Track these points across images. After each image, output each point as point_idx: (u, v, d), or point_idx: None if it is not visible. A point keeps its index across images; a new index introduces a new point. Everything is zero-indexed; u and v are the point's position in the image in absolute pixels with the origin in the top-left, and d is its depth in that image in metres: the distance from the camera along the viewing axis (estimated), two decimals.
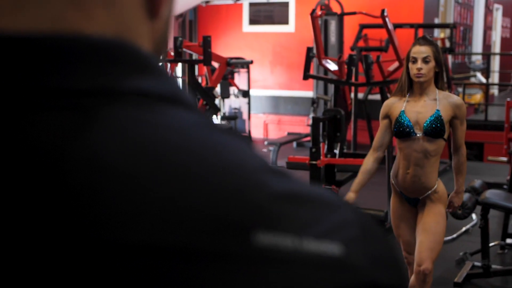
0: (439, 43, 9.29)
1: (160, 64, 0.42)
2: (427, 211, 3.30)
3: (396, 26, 8.13)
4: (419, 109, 3.25)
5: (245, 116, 11.02)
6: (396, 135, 3.32)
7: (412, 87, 3.29)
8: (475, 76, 12.87)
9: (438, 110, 3.22)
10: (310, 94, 10.38)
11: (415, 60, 3.22)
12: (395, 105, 3.32)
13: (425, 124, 3.22)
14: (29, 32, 0.36)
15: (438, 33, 11.28)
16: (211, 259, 0.34)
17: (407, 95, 3.29)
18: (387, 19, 5.33)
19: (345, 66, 5.82)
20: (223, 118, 10.40)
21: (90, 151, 0.34)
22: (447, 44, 8.61)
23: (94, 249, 0.33)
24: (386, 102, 3.41)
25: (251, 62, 7.56)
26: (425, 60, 3.21)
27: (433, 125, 3.21)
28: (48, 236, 0.33)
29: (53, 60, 0.36)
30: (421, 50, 3.22)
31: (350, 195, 3.50)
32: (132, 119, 0.37)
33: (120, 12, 0.40)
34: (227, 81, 10.15)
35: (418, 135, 3.25)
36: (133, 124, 0.36)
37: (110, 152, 0.35)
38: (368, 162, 3.46)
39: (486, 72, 11.36)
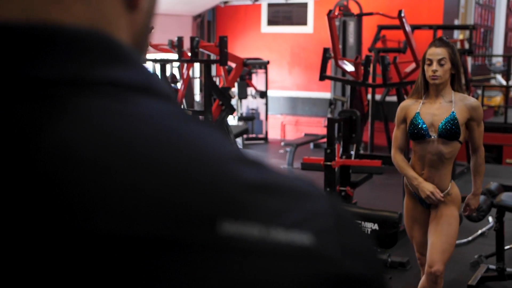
0: (458, 44, 9.21)
1: (137, 55, 0.42)
2: (439, 213, 3.27)
3: (415, 27, 8.08)
4: (434, 111, 3.22)
5: (262, 117, 11.03)
6: (411, 137, 3.30)
7: (428, 89, 3.26)
8: (494, 78, 12.73)
9: (453, 112, 3.19)
10: (328, 95, 10.36)
11: (430, 62, 3.20)
12: (411, 107, 3.30)
13: (440, 126, 3.20)
14: (0, 21, 0.36)
15: (458, 35, 11.18)
16: (176, 248, 0.34)
17: (423, 97, 3.27)
18: (404, 20, 5.31)
19: (362, 67, 5.81)
20: (240, 118, 10.42)
21: (58, 142, 0.35)
22: (466, 45, 8.53)
23: (60, 238, 0.33)
24: (401, 105, 3.37)
25: (268, 62, 7.56)
26: (440, 63, 3.18)
27: (448, 127, 3.19)
28: (11, 226, 0.33)
29: (24, 49, 0.36)
30: (437, 52, 3.20)
31: (426, 185, 3.31)
32: (102, 109, 0.37)
33: (98, 3, 0.40)
34: (244, 81, 10.17)
35: (433, 137, 3.22)
36: (102, 114, 0.37)
37: (78, 142, 0.35)
38: (402, 157, 3.41)
39: (507, 74, 11.23)
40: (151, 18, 0.47)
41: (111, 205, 0.34)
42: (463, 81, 3.44)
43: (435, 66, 3.18)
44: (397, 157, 3.41)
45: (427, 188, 3.29)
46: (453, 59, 3.21)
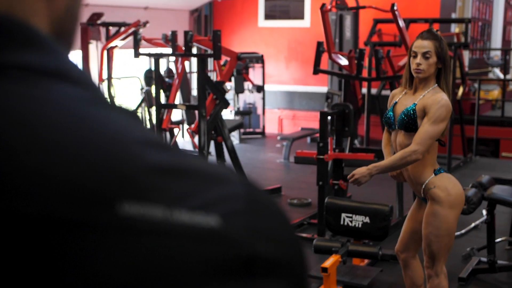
0: (454, 38, 9.20)
1: (52, 40, 0.42)
2: (426, 209, 3.19)
3: (411, 20, 8.07)
4: (407, 103, 3.17)
5: (259, 111, 11.03)
6: (385, 126, 3.32)
7: (413, 81, 3.19)
8: (491, 71, 12.72)
9: (414, 104, 3.11)
10: (324, 89, 10.35)
11: (415, 55, 3.11)
12: (395, 96, 3.28)
13: (399, 117, 3.15)
14: None
15: (454, 28, 11.16)
16: (76, 228, 0.35)
17: (407, 89, 3.23)
18: (397, 13, 5.31)
19: (355, 61, 5.80)
20: (237, 113, 10.42)
21: None
22: (462, 39, 8.52)
23: None
24: (392, 92, 3.37)
25: (262, 56, 7.54)
26: (425, 56, 3.08)
27: (404, 118, 3.11)
28: None
29: None
30: (423, 45, 3.09)
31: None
32: (10, 93, 0.37)
33: None
34: (241, 76, 10.16)
35: (396, 127, 3.20)
36: (10, 98, 0.37)
37: None
38: (386, 136, 3.40)
39: (504, 68, 11.22)
40: (74, 5, 0.47)
41: (13, 184, 0.35)
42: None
43: (419, 59, 3.08)
44: (383, 137, 3.44)
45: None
46: (439, 53, 3.08)
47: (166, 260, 0.36)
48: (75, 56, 8.44)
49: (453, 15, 11.39)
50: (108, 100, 0.42)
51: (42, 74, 0.39)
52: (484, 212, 4.33)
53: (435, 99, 3.07)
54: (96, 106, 0.40)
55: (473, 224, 5.50)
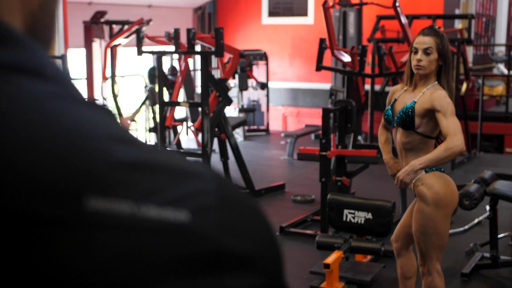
0: (457, 34, 9.18)
1: (25, 36, 0.42)
2: (415, 206, 3.18)
3: (414, 17, 8.06)
4: (406, 100, 3.14)
5: (263, 108, 11.04)
6: (386, 123, 3.31)
7: (413, 78, 3.17)
8: (495, 67, 12.68)
9: (414, 102, 3.08)
10: (328, 86, 10.34)
11: (416, 51, 3.09)
12: (396, 93, 3.27)
13: (397, 115, 3.13)
14: None
15: (458, 25, 11.13)
16: (42, 224, 0.35)
17: (408, 85, 3.20)
18: (399, 10, 5.31)
19: (358, 57, 5.81)
20: (241, 110, 10.43)
21: None
22: (466, 35, 8.50)
23: None
24: (392, 89, 3.35)
25: (264, 53, 7.55)
26: (426, 52, 3.06)
27: (402, 116, 3.08)
28: None
29: None
30: (424, 41, 3.08)
31: (393, 167, 3.30)
32: None
33: None
34: (245, 73, 10.17)
35: (395, 125, 3.18)
36: None
37: None
38: (382, 135, 3.39)
39: (508, 63, 11.19)
40: (52, 0, 0.47)
41: None
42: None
43: (420, 55, 3.06)
44: (379, 132, 3.44)
45: (391, 169, 3.29)
46: (440, 50, 3.06)
47: (134, 255, 0.36)
48: (79, 55, 8.47)
49: (457, 11, 11.36)
50: (81, 96, 0.42)
51: (13, 71, 0.39)
52: (487, 207, 4.33)
53: (438, 96, 3.03)
54: (68, 102, 0.40)
55: (476, 220, 5.50)
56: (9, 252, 0.34)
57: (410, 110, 3.07)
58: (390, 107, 3.21)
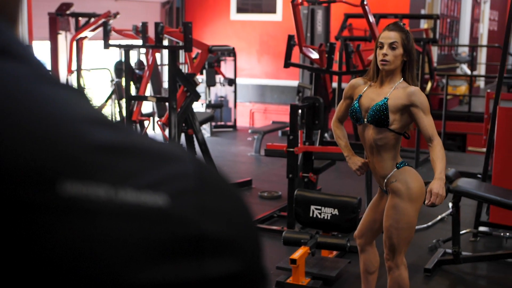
0: (423, 34, 9.33)
1: None
2: (388, 202, 3.19)
3: (381, 16, 8.16)
4: (374, 96, 3.13)
5: (231, 104, 11.03)
6: (351, 119, 3.27)
7: (379, 74, 3.15)
8: (458, 67, 12.93)
9: (386, 98, 3.07)
10: (296, 83, 10.39)
11: (382, 45, 3.09)
12: (358, 88, 3.23)
13: (369, 112, 3.11)
14: None
15: (423, 25, 11.31)
16: (16, 209, 0.34)
17: (373, 81, 3.19)
18: (367, 8, 5.36)
19: (326, 55, 5.85)
20: (208, 106, 10.40)
21: None
22: (431, 35, 8.64)
23: None
24: (352, 82, 3.29)
25: (233, 49, 7.54)
26: (391, 46, 3.06)
27: (375, 113, 3.07)
28: None
29: None
30: (389, 36, 3.09)
31: (355, 159, 3.29)
32: None
33: None
34: (213, 69, 10.14)
35: (365, 122, 3.15)
36: None
37: None
38: (339, 129, 3.38)
39: (471, 64, 11.42)
40: None
41: None
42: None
43: (385, 49, 3.07)
44: (334, 125, 3.41)
45: (354, 162, 3.28)
46: (405, 45, 3.07)
47: (112, 241, 0.35)
48: (43, 47, 8.32)
49: (422, 11, 11.54)
50: (53, 77, 0.41)
51: None
52: (450, 204, 4.42)
53: (415, 91, 3.05)
54: (41, 83, 0.39)
55: (439, 217, 5.61)
56: None
57: (383, 108, 3.06)
58: (357, 103, 3.19)
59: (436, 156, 3.04)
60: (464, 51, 13.31)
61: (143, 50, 8.37)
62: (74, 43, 7.84)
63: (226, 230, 0.39)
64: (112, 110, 8.24)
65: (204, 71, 9.83)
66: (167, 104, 5.80)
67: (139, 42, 6.61)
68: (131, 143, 0.39)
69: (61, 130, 0.36)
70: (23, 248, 0.34)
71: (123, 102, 7.08)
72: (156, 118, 9.29)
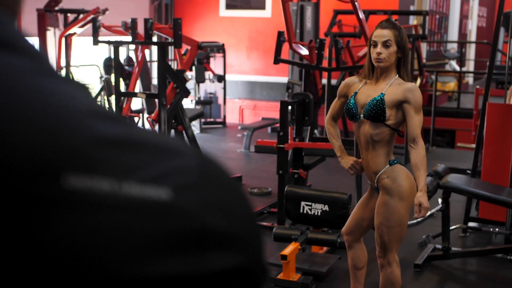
0: (412, 30, 9.35)
1: None
2: (379, 199, 3.18)
3: (370, 12, 8.18)
4: (370, 93, 3.14)
5: (220, 101, 11.01)
6: (346, 116, 3.26)
7: (374, 71, 3.16)
8: (447, 63, 12.99)
9: (382, 94, 3.08)
10: (285, 79, 10.40)
11: (375, 44, 3.10)
12: (353, 86, 3.24)
13: (366, 107, 3.11)
14: None
15: (413, 21, 11.35)
16: (20, 201, 0.34)
17: (368, 79, 3.19)
18: (357, 4, 5.36)
19: (316, 51, 5.84)
20: (198, 102, 10.37)
21: None
22: (420, 31, 8.67)
23: None
24: (346, 81, 3.29)
25: (222, 45, 7.53)
26: (385, 44, 3.07)
27: (372, 108, 3.07)
28: None
29: None
30: (382, 34, 3.10)
31: (348, 158, 3.30)
32: None
33: None
34: (202, 65, 10.12)
35: (362, 118, 3.14)
36: None
37: None
38: (333, 127, 3.38)
39: (460, 60, 11.47)
40: None
41: None
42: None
43: (379, 48, 3.08)
44: (327, 123, 3.41)
45: (346, 162, 3.29)
46: (399, 42, 3.09)
47: (115, 234, 0.35)
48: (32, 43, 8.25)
49: (412, 8, 11.58)
50: (56, 70, 0.41)
51: None
52: (440, 200, 4.44)
53: (411, 88, 3.06)
54: (44, 77, 0.39)
55: (429, 212, 5.63)
56: None
57: (380, 102, 3.07)
58: (353, 100, 3.18)
59: (420, 162, 3.05)
60: (453, 47, 13.37)
61: (132, 47, 8.33)
62: (63, 40, 7.79)
63: (228, 224, 0.39)
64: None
65: (194, 68, 9.81)
66: (156, 100, 5.78)
67: (129, 38, 6.58)
68: (135, 137, 0.39)
69: (64, 123, 0.36)
70: (27, 241, 0.34)
71: (113, 98, 7.05)
72: (146, 115, 9.26)
